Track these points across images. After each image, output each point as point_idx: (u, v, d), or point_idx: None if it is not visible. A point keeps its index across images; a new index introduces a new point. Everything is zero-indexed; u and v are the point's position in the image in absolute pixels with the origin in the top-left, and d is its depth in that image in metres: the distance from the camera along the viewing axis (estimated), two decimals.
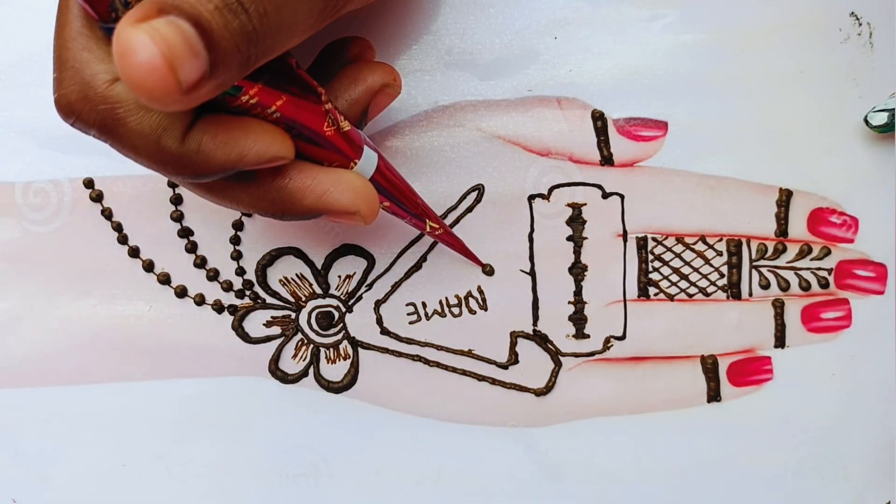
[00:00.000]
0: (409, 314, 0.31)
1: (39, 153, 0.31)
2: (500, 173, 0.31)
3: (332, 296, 0.31)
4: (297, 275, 0.31)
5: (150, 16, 0.17)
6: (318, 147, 0.23)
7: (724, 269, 0.31)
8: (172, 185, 0.31)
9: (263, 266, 0.31)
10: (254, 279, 0.31)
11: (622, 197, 0.31)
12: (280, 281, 0.31)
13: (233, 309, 0.31)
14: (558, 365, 0.31)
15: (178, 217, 0.31)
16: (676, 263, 0.31)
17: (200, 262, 0.31)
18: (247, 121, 0.21)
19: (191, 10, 0.17)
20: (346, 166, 0.24)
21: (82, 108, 0.20)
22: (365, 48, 0.26)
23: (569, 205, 0.31)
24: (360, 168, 0.24)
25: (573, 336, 0.31)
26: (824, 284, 0.32)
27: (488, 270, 0.31)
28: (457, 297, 0.31)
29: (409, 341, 0.31)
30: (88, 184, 0.31)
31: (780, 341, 0.32)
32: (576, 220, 0.31)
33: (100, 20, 0.19)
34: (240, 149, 0.21)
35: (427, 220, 0.28)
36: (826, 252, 0.31)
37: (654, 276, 0.31)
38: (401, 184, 0.27)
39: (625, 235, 0.31)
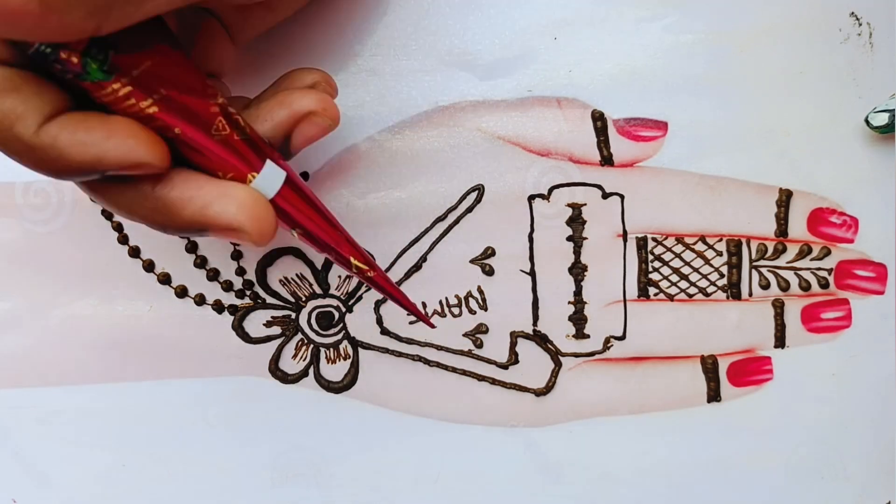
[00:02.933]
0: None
1: None
2: (500, 173, 0.31)
3: (332, 296, 0.31)
4: (297, 275, 0.31)
5: None
6: (205, 155, 0.21)
7: (724, 270, 0.31)
8: None
9: (263, 266, 0.31)
10: (254, 279, 0.31)
11: (622, 197, 0.31)
12: (280, 281, 0.31)
13: (233, 309, 0.31)
14: (558, 365, 0.31)
15: None
16: (676, 263, 0.31)
17: (201, 262, 0.31)
18: (113, 121, 0.20)
19: None
20: (241, 179, 0.22)
21: None
22: (321, 81, 0.25)
23: (569, 205, 0.31)
24: (258, 184, 0.22)
25: (573, 336, 0.31)
26: (824, 284, 0.32)
27: (488, 270, 0.31)
28: (457, 297, 0.31)
29: (410, 341, 0.31)
30: None
31: (780, 341, 0.32)
32: (576, 220, 0.31)
33: None
34: (98, 150, 0.20)
35: (352, 260, 0.24)
36: (826, 252, 0.31)
37: (654, 276, 0.31)
38: (317, 211, 0.23)
39: (625, 235, 0.31)
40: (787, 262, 0.32)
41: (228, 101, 0.22)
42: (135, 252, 0.31)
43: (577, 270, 0.31)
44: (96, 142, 0.20)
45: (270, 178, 0.22)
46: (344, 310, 0.31)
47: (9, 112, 0.19)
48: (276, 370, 0.31)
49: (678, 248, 0.31)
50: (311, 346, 0.31)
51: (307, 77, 0.25)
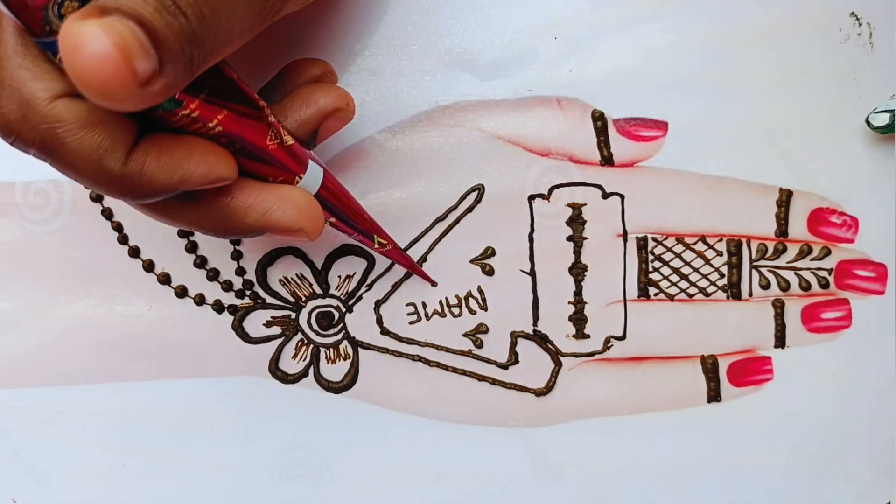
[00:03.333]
0: (409, 314, 0.31)
1: None
2: (500, 173, 0.31)
3: (332, 296, 0.31)
4: (297, 275, 0.31)
5: (94, 16, 0.16)
6: (261, 163, 0.23)
7: (724, 270, 0.31)
8: None
9: (263, 266, 0.31)
10: (254, 279, 0.31)
11: (622, 197, 0.31)
12: (280, 281, 0.31)
13: (233, 309, 0.31)
14: (558, 365, 0.31)
15: None
16: (676, 263, 0.31)
17: (200, 262, 0.31)
18: (190, 141, 0.21)
19: (132, 11, 0.17)
20: (290, 182, 0.24)
21: (21, 127, 0.19)
22: (327, 72, 0.26)
23: (569, 205, 0.31)
24: (304, 183, 0.24)
25: (573, 336, 0.31)
26: (824, 284, 0.32)
27: (488, 270, 0.31)
28: (457, 297, 0.31)
29: (410, 341, 0.31)
30: None
31: (780, 341, 0.32)
32: (576, 220, 0.31)
33: (34, 35, 0.18)
34: (183, 171, 0.21)
35: (375, 237, 0.28)
36: (826, 252, 0.31)
37: (655, 276, 0.31)
38: (347, 199, 0.26)
39: (625, 235, 0.31)
40: (788, 262, 0.32)
41: None
42: (135, 252, 0.31)
43: (578, 270, 0.31)
44: (180, 163, 0.21)
45: (312, 177, 0.24)
46: (344, 310, 0.31)
47: (97, 146, 0.19)
48: (276, 370, 0.31)
49: (678, 248, 0.31)
50: (311, 346, 0.31)
51: (314, 69, 0.26)
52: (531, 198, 0.31)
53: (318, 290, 0.31)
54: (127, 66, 0.16)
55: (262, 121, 0.22)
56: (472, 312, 0.31)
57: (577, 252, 0.31)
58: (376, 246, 0.28)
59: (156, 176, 0.20)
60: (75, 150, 0.19)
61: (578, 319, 0.31)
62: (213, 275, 0.31)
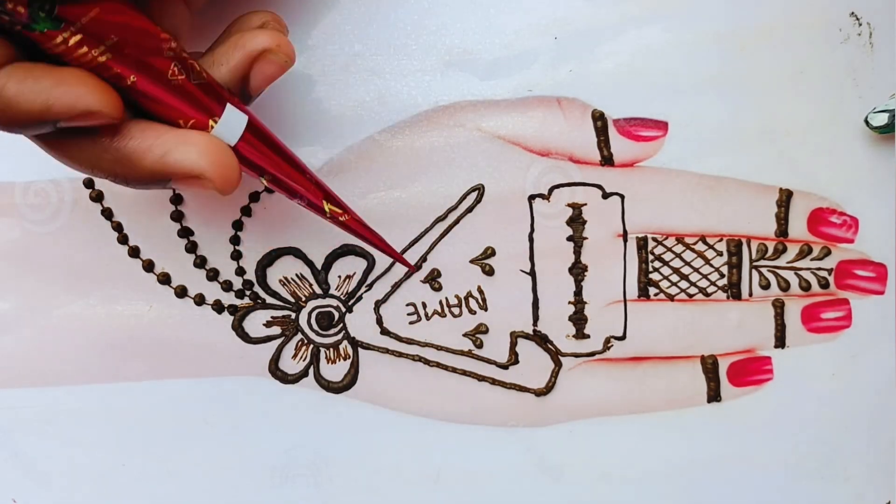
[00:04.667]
0: (409, 314, 0.31)
1: (39, 153, 0.31)
2: (500, 173, 0.31)
3: (332, 296, 0.31)
4: (297, 275, 0.31)
5: None
6: (163, 103, 0.21)
7: (725, 269, 0.31)
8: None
9: (263, 266, 0.31)
10: (254, 279, 0.31)
11: (622, 197, 0.31)
12: (280, 281, 0.31)
13: (233, 309, 0.31)
14: (558, 365, 0.31)
15: (177, 217, 0.31)
16: (677, 263, 0.31)
17: (200, 262, 0.31)
18: (63, 70, 0.20)
19: None
20: (203, 127, 0.22)
21: None
22: (270, 20, 0.24)
23: (569, 205, 0.31)
24: (220, 129, 0.22)
25: (573, 336, 0.31)
26: (824, 284, 0.32)
27: (488, 270, 0.31)
28: (457, 297, 0.31)
29: (410, 341, 0.31)
30: (88, 184, 0.31)
31: (780, 341, 0.32)
32: (576, 220, 0.31)
33: None
34: (45, 98, 0.19)
35: (326, 203, 0.24)
36: (826, 252, 0.31)
37: (655, 276, 0.31)
38: (282, 156, 0.24)
39: (625, 235, 0.31)
40: (788, 262, 0.32)
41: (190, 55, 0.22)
42: (134, 252, 0.31)
43: (578, 270, 0.31)
44: (44, 90, 0.19)
45: (232, 123, 0.22)
46: (344, 310, 0.31)
47: None
48: (276, 370, 0.31)
49: (678, 248, 0.31)
50: (311, 346, 0.31)
51: (256, 18, 0.25)
52: (531, 198, 0.31)
53: (318, 290, 0.31)
54: None
55: (163, 53, 0.21)
56: (472, 312, 0.31)
57: (577, 252, 0.31)
58: (328, 214, 0.25)
59: (15, 99, 0.19)
60: None
61: (578, 319, 0.31)
62: (213, 275, 0.31)
